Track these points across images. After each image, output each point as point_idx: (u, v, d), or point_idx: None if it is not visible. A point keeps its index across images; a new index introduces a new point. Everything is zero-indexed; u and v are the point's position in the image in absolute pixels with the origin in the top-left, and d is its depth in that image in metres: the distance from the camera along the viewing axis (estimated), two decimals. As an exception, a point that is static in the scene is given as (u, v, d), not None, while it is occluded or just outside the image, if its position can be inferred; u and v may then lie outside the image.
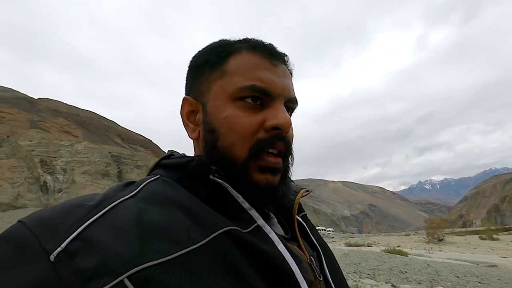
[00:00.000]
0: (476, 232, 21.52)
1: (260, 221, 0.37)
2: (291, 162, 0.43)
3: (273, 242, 0.36)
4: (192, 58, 0.46)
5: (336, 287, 0.42)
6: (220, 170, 0.38)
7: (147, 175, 0.42)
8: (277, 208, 0.44)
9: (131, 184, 0.37)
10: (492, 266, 10.49)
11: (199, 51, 0.45)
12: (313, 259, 0.41)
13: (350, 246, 19.57)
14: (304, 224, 0.48)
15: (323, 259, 0.44)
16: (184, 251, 0.28)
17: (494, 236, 17.86)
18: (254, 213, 0.38)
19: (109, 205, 0.31)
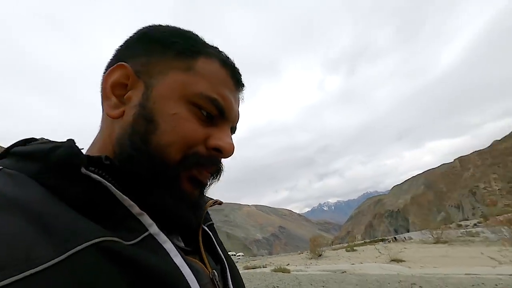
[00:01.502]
0: (348, 247, 26.71)
1: (153, 229, 0.29)
2: (213, 184, 0.40)
3: (168, 254, 0.29)
4: (151, 28, 0.38)
5: None
6: (106, 161, 0.29)
7: None
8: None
9: None
10: (343, 272, 13.35)
11: (162, 27, 0.38)
12: (216, 273, 0.36)
13: (248, 269, 20.74)
14: (211, 234, 0.43)
15: (228, 273, 0.39)
16: (9, 280, 0.18)
17: (355, 248, 22.97)
18: (146, 219, 0.29)
19: None
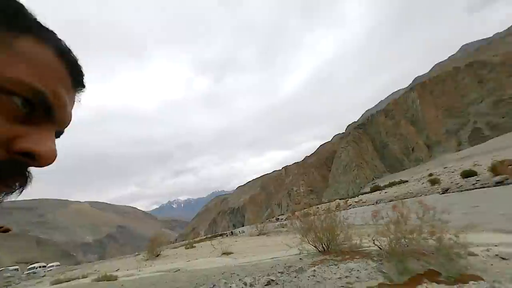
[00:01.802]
0: (188, 244, 27.30)
1: None
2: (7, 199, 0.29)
3: None
4: None
5: None
6: None
7: None
8: None
9: None
10: (176, 271, 13.23)
11: None
12: None
13: (60, 283, 16.54)
14: None
15: None
16: None
17: (194, 245, 23.91)
18: None
19: None
